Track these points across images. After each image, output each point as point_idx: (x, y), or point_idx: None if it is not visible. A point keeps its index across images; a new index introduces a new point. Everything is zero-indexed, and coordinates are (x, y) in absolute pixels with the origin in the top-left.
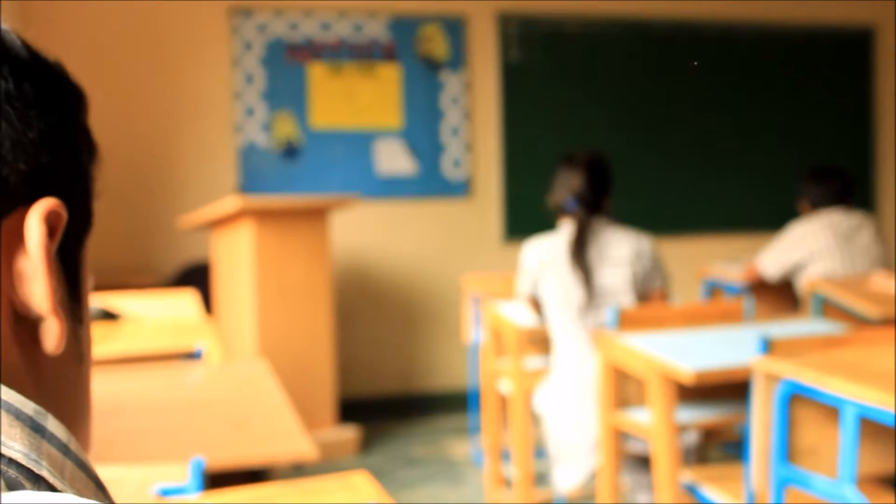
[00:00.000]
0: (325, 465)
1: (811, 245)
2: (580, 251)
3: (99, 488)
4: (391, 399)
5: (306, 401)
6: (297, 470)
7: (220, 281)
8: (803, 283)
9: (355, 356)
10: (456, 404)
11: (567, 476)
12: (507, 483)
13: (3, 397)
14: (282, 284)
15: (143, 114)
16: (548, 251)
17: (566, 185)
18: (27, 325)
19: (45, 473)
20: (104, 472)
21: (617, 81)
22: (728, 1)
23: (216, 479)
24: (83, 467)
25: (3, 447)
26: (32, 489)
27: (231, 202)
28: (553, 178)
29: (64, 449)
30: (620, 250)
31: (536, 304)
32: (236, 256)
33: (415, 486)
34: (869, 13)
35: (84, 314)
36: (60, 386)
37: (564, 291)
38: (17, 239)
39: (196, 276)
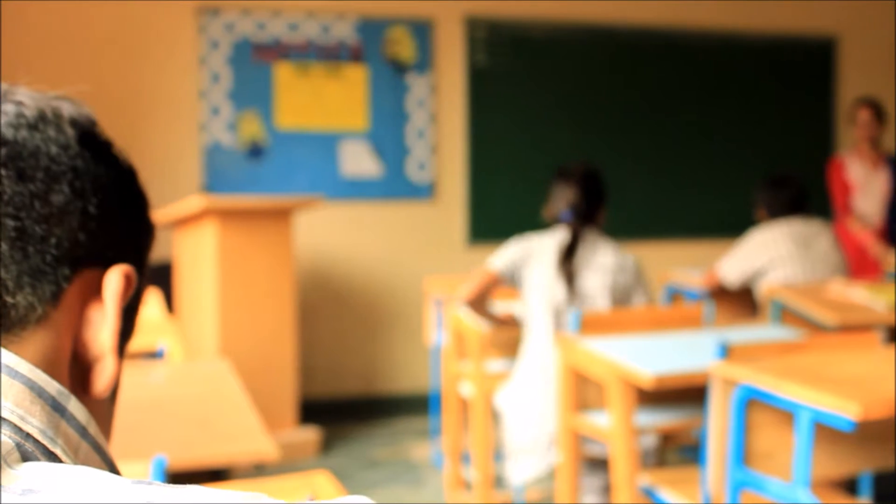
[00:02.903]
0: (285, 465)
1: (771, 252)
2: (568, 256)
3: (112, 472)
4: (353, 401)
5: (267, 401)
6: (258, 470)
7: (183, 280)
8: (762, 290)
9: (317, 357)
10: (417, 407)
11: (523, 469)
12: (467, 485)
13: (28, 375)
14: (245, 285)
15: (107, 111)
16: (538, 244)
17: (562, 198)
18: (79, 369)
19: (58, 451)
20: None
21: (583, 87)
22: (692, 8)
23: (177, 478)
24: (99, 451)
25: (23, 422)
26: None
27: (195, 201)
28: (549, 191)
29: (82, 431)
30: (605, 258)
31: (494, 283)
32: (199, 256)
33: (375, 488)
34: (833, 23)
35: (122, 366)
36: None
37: (547, 287)
38: (90, 291)
39: (159, 276)
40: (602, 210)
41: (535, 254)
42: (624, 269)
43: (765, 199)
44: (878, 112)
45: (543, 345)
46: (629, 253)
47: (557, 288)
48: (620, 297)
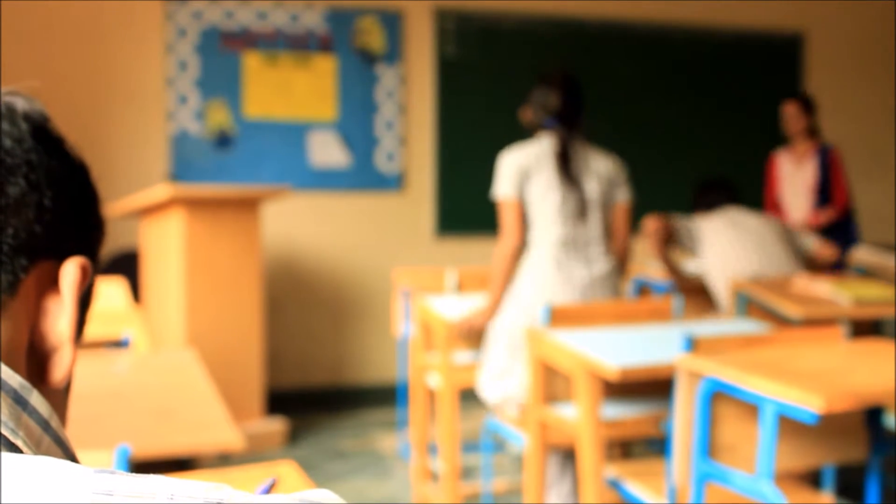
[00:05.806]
0: (252, 456)
1: (714, 242)
2: (566, 165)
3: None
4: (320, 391)
5: (234, 392)
6: (224, 460)
7: (149, 269)
8: (716, 282)
9: (285, 348)
10: (385, 398)
11: (498, 390)
12: (434, 477)
13: None
14: (211, 274)
15: (74, 98)
16: (532, 157)
17: (543, 105)
18: (35, 360)
19: (19, 443)
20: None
21: None
22: (661, 3)
23: (141, 468)
24: (61, 444)
25: None
26: None
27: (161, 190)
28: (529, 96)
29: (44, 424)
30: (598, 165)
31: (520, 209)
32: (166, 245)
33: (342, 479)
34: (799, 19)
35: (76, 356)
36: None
37: (552, 200)
38: (46, 282)
39: (125, 264)
40: (582, 116)
41: (531, 168)
42: (619, 171)
43: (704, 197)
44: (804, 105)
45: (550, 256)
46: (612, 155)
47: (568, 199)
48: (609, 201)
